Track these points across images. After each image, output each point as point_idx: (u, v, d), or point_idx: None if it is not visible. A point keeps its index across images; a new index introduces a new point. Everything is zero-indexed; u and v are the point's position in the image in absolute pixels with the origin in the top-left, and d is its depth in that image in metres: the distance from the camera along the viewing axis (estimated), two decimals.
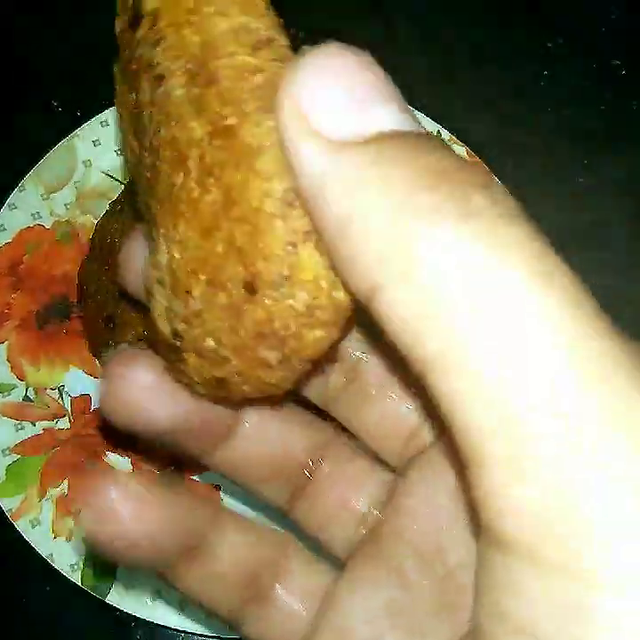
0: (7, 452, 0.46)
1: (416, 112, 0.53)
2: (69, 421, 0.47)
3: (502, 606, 0.16)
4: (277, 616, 0.24)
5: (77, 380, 0.48)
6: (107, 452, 0.47)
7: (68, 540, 0.44)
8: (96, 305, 0.48)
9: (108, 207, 0.48)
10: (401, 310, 0.16)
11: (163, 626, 0.44)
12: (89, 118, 0.54)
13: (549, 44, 0.62)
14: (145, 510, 0.21)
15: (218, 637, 0.43)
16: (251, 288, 0.20)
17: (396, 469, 0.26)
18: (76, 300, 0.49)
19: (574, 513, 0.15)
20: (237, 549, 0.24)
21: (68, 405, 0.48)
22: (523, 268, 0.15)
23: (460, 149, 0.52)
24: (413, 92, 0.53)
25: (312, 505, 0.26)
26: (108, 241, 0.47)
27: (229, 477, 0.25)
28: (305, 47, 0.18)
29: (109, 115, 0.53)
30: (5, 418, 0.46)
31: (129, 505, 0.21)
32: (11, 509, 0.44)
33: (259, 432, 0.25)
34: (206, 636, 0.43)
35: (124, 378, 0.22)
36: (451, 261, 0.15)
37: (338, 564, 0.25)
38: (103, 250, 0.48)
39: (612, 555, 0.14)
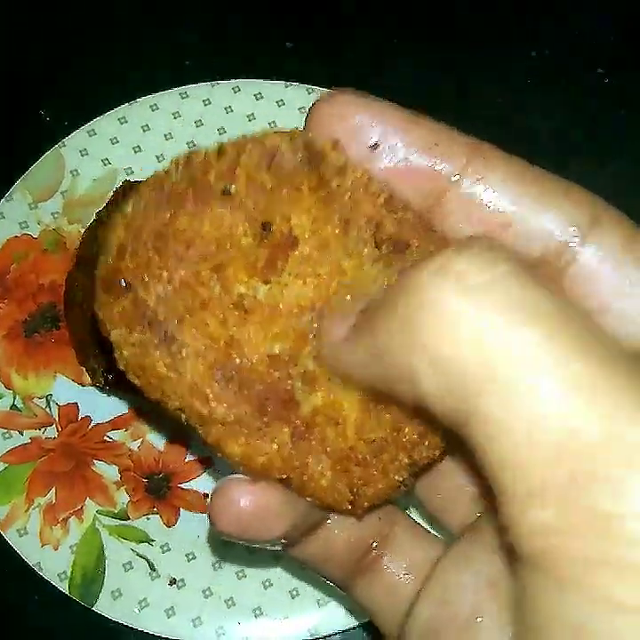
0: None
1: None
2: (57, 430, 0.48)
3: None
4: (384, 584, 0.28)
5: (65, 389, 0.49)
6: (94, 461, 0.47)
7: (56, 548, 0.45)
8: (82, 312, 0.49)
9: (94, 216, 0.49)
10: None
11: (149, 633, 0.44)
12: (76, 128, 0.55)
13: (534, 54, 0.64)
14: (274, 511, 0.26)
15: None
16: None
17: None
18: (62, 309, 0.50)
19: None
20: (350, 525, 0.28)
21: (55, 414, 0.48)
22: None
23: None
24: (403, 101, 0.55)
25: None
26: (95, 250, 0.47)
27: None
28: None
29: (96, 124, 0.54)
30: None
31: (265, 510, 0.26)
32: None
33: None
34: None
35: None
36: None
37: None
38: (89, 259, 0.48)
39: None
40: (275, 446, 0.26)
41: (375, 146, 0.26)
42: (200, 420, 0.26)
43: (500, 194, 0.26)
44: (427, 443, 0.28)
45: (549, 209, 0.26)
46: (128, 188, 0.48)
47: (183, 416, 0.26)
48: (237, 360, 0.26)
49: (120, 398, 0.49)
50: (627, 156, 0.60)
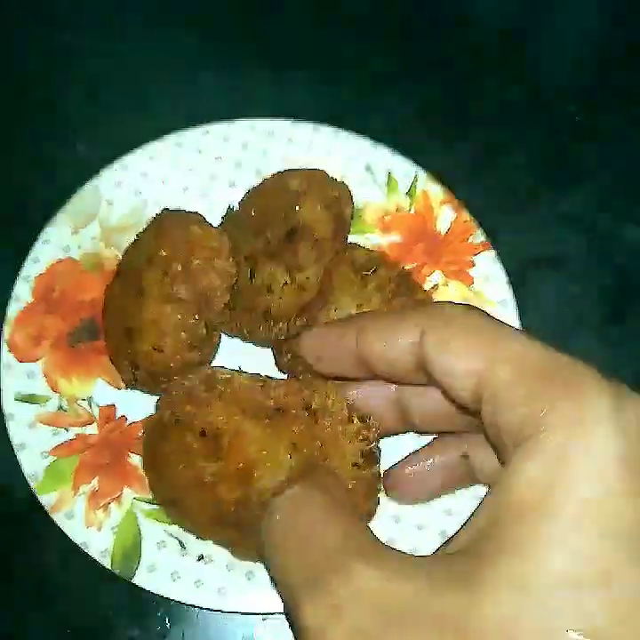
0: (45, 454, 0.53)
1: (398, 153, 0.62)
2: (98, 427, 0.55)
3: None
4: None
5: (104, 392, 0.56)
6: (130, 454, 0.55)
7: (99, 529, 0.52)
8: (118, 319, 0.55)
9: (135, 237, 0.57)
10: None
11: (181, 602, 0.52)
12: (109, 161, 0.62)
13: (515, 91, 0.72)
14: None
15: (233, 613, 0.51)
16: None
17: None
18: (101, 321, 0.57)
19: None
20: None
21: (96, 413, 0.56)
22: None
23: (436, 188, 0.61)
24: (397, 134, 0.63)
25: None
26: (133, 264, 0.55)
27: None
28: None
29: (128, 159, 0.62)
30: (43, 425, 0.54)
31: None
32: (49, 504, 0.52)
33: None
34: (222, 611, 0.51)
35: None
36: None
37: None
38: (125, 273, 0.56)
39: None
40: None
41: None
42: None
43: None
44: None
45: None
46: (161, 216, 0.55)
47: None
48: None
49: (145, 393, 0.56)
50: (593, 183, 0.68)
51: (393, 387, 0.45)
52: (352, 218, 0.55)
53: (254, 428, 0.49)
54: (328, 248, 0.52)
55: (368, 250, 0.56)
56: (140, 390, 0.55)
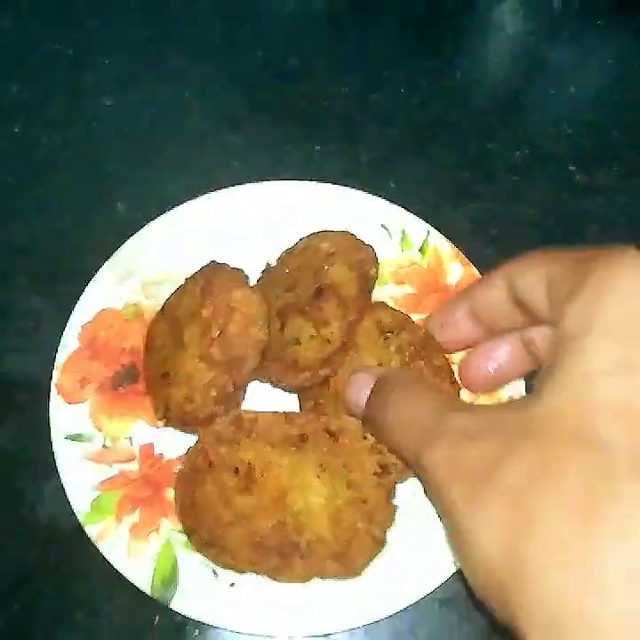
0: (92, 489, 0.60)
1: (411, 212, 0.69)
2: (138, 464, 0.61)
3: None
4: None
5: (143, 431, 0.63)
6: (168, 489, 0.61)
7: (140, 558, 0.58)
8: (158, 359, 0.63)
9: (183, 281, 0.64)
10: None
11: (214, 626, 0.57)
12: (147, 219, 0.69)
13: (517, 153, 0.79)
14: None
15: (262, 635, 0.56)
16: None
17: None
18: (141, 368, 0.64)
19: None
20: None
21: (136, 451, 0.62)
22: None
23: (446, 244, 0.68)
24: (408, 196, 0.70)
25: None
26: (178, 310, 0.62)
27: None
28: None
29: (165, 218, 0.69)
30: (90, 462, 0.60)
31: None
32: (95, 534, 0.58)
33: None
34: (251, 634, 0.56)
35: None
36: None
37: None
38: (173, 317, 0.63)
39: None
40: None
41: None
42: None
43: None
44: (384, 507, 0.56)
45: None
46: (210, 269, 0.63)
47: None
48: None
49: (178, 430, 0.62)
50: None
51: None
52: (376, 278, 0.62)
53: (282, 457, 0.56)
54: (352, 305, 0.60)
55: (394, 310, 0.63)
56: (174, 427, 0.62)
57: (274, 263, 0.67)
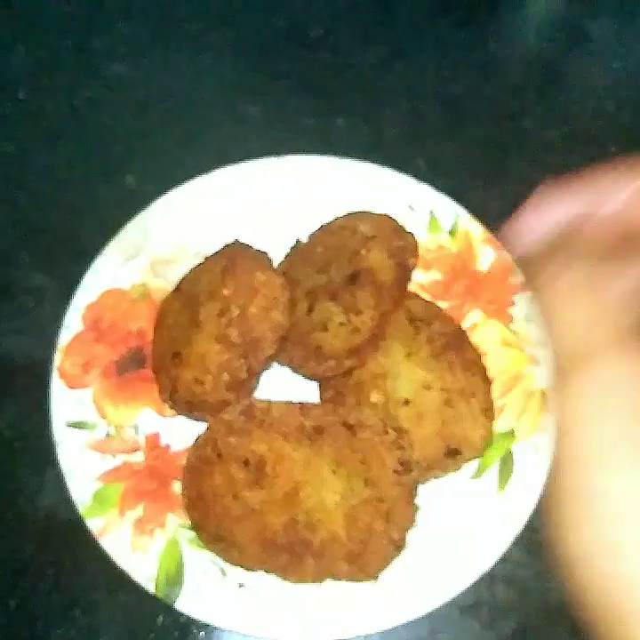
0: (93, 479, 0.57)
1: (439, 192, 0.65)
2: (143, 455, 0.58)
3: None
4: None
5: (149, 420, 0.60)
6: (174, 481, 0.58)
7: (144, 555, 0.55)
8: (169, 337, 0.59)
9: (203, 260, 0.61)
10: None
11: (221, 629, 0.54)
12: (158, 194, 0.66)
13: (555, 131, 0.75)
14: None
15: (270, 638, 0.54)
16: None
17: None
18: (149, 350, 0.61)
19: None
20: None
21: (142, 441, 0.59)
22: None
23: (477, 227, 0.64)
24: (439, 173, 0.66)
25: None
26: (195, 288, 0.59)
27: None
28: None
29: (176, 193, 0.65)
30: (92, 451, 0.57)
31: None
32: (96, 529, 0.55)
33: None
34: (262, 638, 0.54)
35: None
36: None
37: None
38: (189, 294, 0.60)
39: None
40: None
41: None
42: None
43: None
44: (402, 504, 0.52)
45: None
46: (232, 248, 0.60)
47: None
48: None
49: (183, 415, 0.59)
50: None
51: None
52: (414, 268, 0.59)
53: (296, 450, 0.53)
54: (388, 295, 0.56)
55: (425, 301, 0.60)
56: (180, 412, 0.59)
57: (304, 240, 0.63)
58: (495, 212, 0.67)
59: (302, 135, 0.73)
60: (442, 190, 0.65)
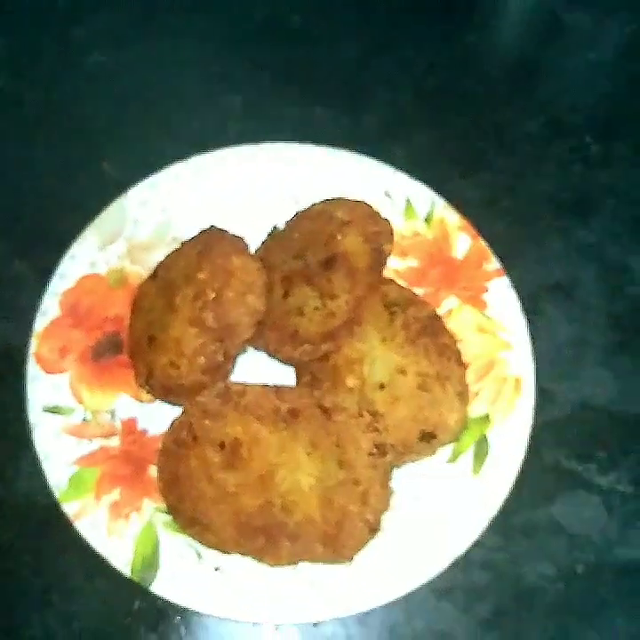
0: (69, 464, 0.57)
1: (418, 181, 0.66)
2: (119, 439, 0.59)
3: None
4: None
5: (126, 405, 0.60)
6: (150, 466, 0.58)
7: (120, 539, 0.55)
8: (145, 321, 0.60)
9: (179, 245, 0.61)
10: None
11: (198, 612, 0.55)
12: (135, 180, 0.66)
13: (532, 122, 0.76)
14: None
15: (246, 621, 0.54)
16: None
17: None
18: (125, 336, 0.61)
19: None
20: None
21: (118, 426, 0.59)
22: None
23: (453, 215, 0.65)
24: (417, 163, 0.67)
25: None
26: (171, 273, 0.59)
27: None
28: None
29: (154, 179, 0.66)
30: (68, 435, 0.58)
31: None
32: (72, 513, 0.56)
33: None
34: (238, 620, 0.54)
35: None
36: None
37: None
38: (165, 279, 0.60)
39: None
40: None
41: None
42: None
43: None
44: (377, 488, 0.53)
45: None
46: (208, 233, 0.60)
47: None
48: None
49: (159, 400, 0.60)
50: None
51: None
52: (390, 254, 0.59)
53: (271, 433, 0.53)
54: (363, 280, 0.57)
55: (401, 286, 0.61)
56: (156, 396, 0.59)
57: (281, 226, 0.64)
58: (472, 200, 0.69)
59: (282, 124, 0.74)
60: (419, 179, 0.66)
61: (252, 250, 0.60)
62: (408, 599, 0.55)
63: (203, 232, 0.61)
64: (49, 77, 0.78)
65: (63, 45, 0.80)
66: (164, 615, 0.57)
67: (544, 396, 0.62)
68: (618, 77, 0.79)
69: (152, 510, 0.57)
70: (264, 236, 0.64)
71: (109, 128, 0.75)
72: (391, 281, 0.61)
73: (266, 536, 0.53)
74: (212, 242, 0.58)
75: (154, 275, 0.61)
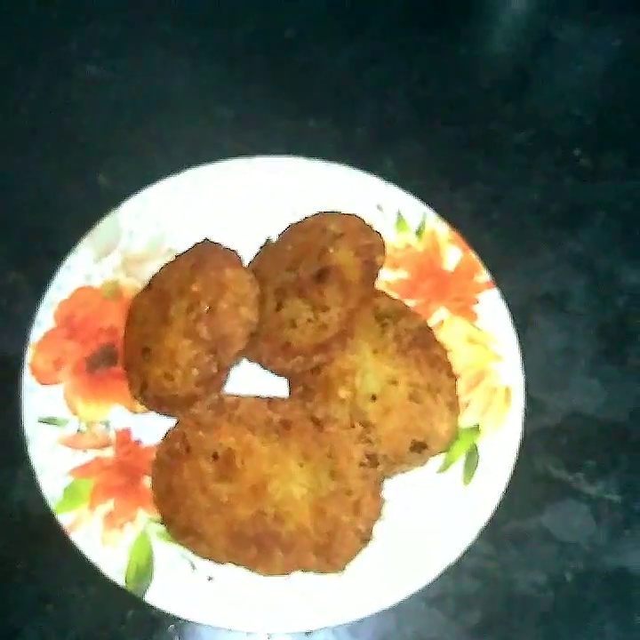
0: (64, 475, 0.58)
1: (406, 193, 0.67)
2: (114, 450, 0.60)
3: None
4: None
5: (120, 416, 0.61)
6: (144, 477, 0.59)
7: (114, 549, 0.56)
8: (139, 333, 0.61)
9: (173, 257, 0.62)
10: None
11: (191, 621, 0.56)
12: (130, 193, 0.67)
13: (522, 134, 0.77)
14: None
15: (238, 630, 0.55)
16: None
17: None
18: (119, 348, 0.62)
19: None
20: None
21: (112, 437, 0.60)
22: None
23: (444, 228, 0.66)
24: (407, 174, 0.68)
25: None
26: (166, 285, 0.60)
27: None
28: None
29: (148, 192, 0.67)
30: (63, 446, 0.59)
31: None
32: (67, 523, 0.56)
33: None
34: (232, 629, 0.55)
35: None
36: None
37: None
38: (159, 291, 0.61)
39: None
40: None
41: None
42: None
43: None
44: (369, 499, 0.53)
45: None
46: (202, 246, 0.61)
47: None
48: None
49: (153, 411, 0.60)
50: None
51: None
52: (381, 267, 0.60)
53: (264, 444, 0.54)
54: (355, 293, 0.57)
55: (392, 298, 0.62)
56: (150, 408, 0.60)
57: (274, 239, 0.65)
58: (462, 212, 0.70)
59: (274, 136, 0.75)
60: (410, 191, 0.67)
61: (246, 262, 0.61)
62: (399, 607, 0.56)
63: (196, 245, 0.62)
64: (44, 89, 0.79)
65: (58, 57, 0.81)
66: (157, 624, 0.58)
67: (534, 405, 0.63)
68: (607, 90, 0.81)
69: (146, 520, 0.58)
70: (257, 249, 0.65)
71: (104, 139, 0.75)
72: (382, 293, 0.62)
73: (259, 546, 0.54)
74: (205, 254, 0.59)
75: (148, 287, 0.62)
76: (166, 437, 0.56)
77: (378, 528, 0.55)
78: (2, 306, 0.68)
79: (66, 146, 0.75)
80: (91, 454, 0.59)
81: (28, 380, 0.60)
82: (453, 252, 0.65)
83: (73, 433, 0.60)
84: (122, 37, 0.82)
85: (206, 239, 0.62)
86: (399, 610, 0.57)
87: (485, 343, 0.62)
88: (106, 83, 0.79)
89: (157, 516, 0.57)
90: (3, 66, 0.80)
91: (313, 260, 0.60)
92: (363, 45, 0.82)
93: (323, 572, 0.55)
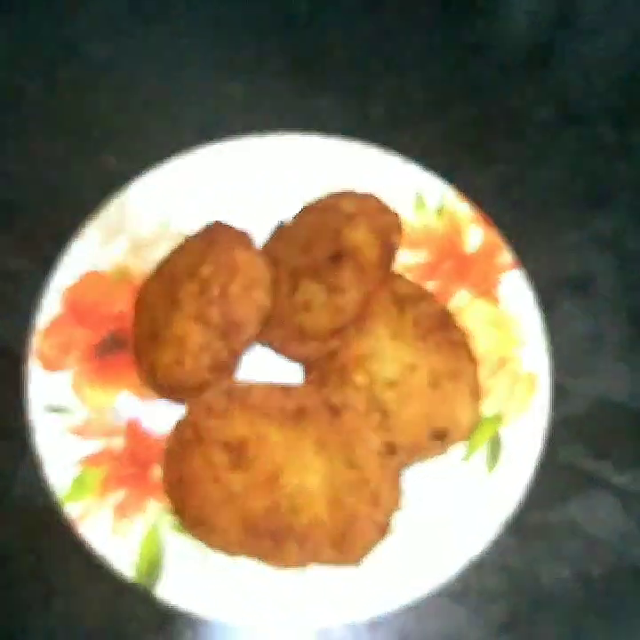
0: (72, 465, 0.56)
1: (427, 171, 0.64)
2: (124, 439, 0.58)
3: None
4: None
5: (130, 404, 0.59)
6: (154, 466, 0.57)
7: (124, 541, 0.54)
8: (148, 318, 0.59)
9: (183, 240, 0.61)
10: None
11: (203, 616, 0.54)
12: (138, 173, 0.65)
13: (544, 111, 0.74)
14: None
15: (253, 626, 0.53)
16: None
17: None
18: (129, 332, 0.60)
19: None
20: None
21: (122, 425, 0.58)
22: None
23: (465, 207, 0.63)
24: (426, 153, 0.66)
25: None
26: (175, 268, 0.58)
27: None
28: None
29: (156, 173, 0.64)
30: (71, 435, 0.57)
31: None
32: (75, 514, 0.55)
33: None
34: (244, 625, 0.53)
35: None
36: None
37: None
38: (169, 275, 0.59)
39: None
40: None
41: None
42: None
43: None
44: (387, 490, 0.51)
45: None
46: (213, 228, 0.59)
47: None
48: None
49: (164, 398, 0.59)
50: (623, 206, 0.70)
51: None
52: (399, 247, 0.58)
53: (277, 432, 0.52)
54: (372, 274, 0.55)
55: (410, 282, 0.59)
56: (159, 395, 0.58)
57: (288, 220, 0.62)
58: (483, 191, 0.67)
59: (286, 114, 0.72)
60: (428, 169, 0.65)
61: (258, 245, 0.59)
62: (420, 603, 0.54)
63: (207, 227, 0.60)
64: (49, 69, 0.77)
65: (63, 36, 0.79)
66: (168, 619, 0.56)
67: (559, 392, 0.61)
68: (632, 64, 0.78)
69: (157, 511, 0.56)
70: (270, 231, 0.62)
71: (110, 119, 0.73)
72: (401, 276, 0.60)
73: (272, 537, 0.52)
74: (216, 236, 0.57)
75: (157, 270, 0.60)
76: (177, 426, 0.55)
77: (396, 519, 0.53)
78: (6, 292, 0.66)
79: (72, 127, 0.73)
80: (99, 444, 0.57)
81: (34, 367, 0.58)
82: (474, 232, 0.63)
83: (81, 421, 0.58)
84: (128, 16, 0.80)
85: (217, 221, 0.59)
86: (419, 605, 0.55)
87: (508, 327, 0.60)
88: (112, 62, 0.77)
89: (168, 507, 0.56)
90: (8, 46, 0.78)
91: (327, 241, 0.57)
92: (378, 20, 0.80)
93: (339, 564, 0.52)
